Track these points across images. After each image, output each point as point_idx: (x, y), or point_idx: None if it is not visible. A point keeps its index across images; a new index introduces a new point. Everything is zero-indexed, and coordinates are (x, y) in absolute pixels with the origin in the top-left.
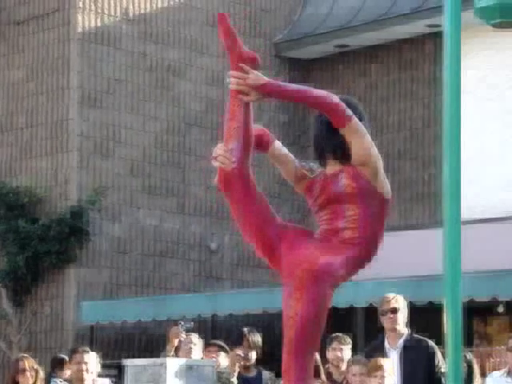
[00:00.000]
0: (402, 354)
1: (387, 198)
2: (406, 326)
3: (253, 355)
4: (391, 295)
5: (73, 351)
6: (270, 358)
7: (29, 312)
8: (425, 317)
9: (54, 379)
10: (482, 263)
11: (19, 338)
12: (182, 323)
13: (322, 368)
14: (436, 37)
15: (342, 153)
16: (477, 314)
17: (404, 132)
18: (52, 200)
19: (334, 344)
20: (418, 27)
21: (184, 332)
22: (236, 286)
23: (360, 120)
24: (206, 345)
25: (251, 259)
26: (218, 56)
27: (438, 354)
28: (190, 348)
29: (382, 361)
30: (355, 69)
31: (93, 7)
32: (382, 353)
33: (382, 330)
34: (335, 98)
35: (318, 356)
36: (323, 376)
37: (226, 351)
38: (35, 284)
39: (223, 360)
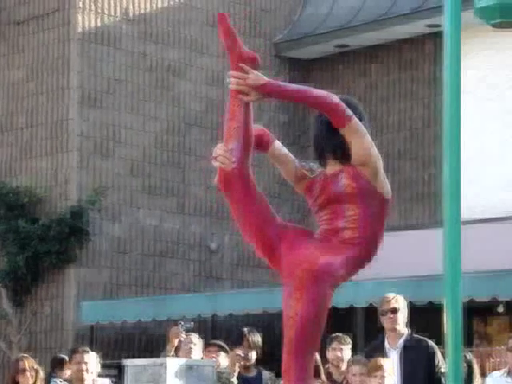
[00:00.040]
0: (402, 354)
1: (387, 198)
2: (406, 326)
3: (253, 355)
4: (391, 295)
5: (73, 351)
6: (270, 358)
7: (29, 312)
8: (425, 317)
9: (54, 379)
10: (482, 263)
11: (19, 337)
12: (182, 323)
13: (322, 368)
14: (436, 37)
15: (341, 153)
16: (477, 314)
17: (404, 132)
18: (52, 200)
19: (334, 344)
20: (418, 27)
21: (184, 332)
22: (236, 286)
23: (360, 120)
24: (206, 345)
25: (251, 259)
26: (218, 56)
27: (438, 354)
28: (190, 348)
29: (382, 361)
30: (355, 69)
31: (93, 7)
32: (382, 353)
33: (382, 330)
34: (335, 98)
35: (318, 356)
36: (323, 376)
37: (226, 351)
38: (35, 284)
39: (223, 360)
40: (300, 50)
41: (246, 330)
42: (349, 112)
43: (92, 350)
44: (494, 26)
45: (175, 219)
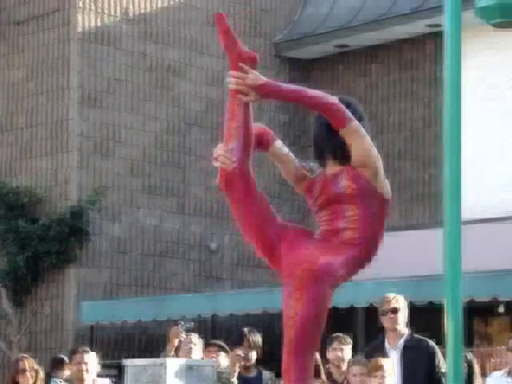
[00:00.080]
0: (403, 354)
1: (387, 199)
2: (407, 326)
3: (253, 355)
4: (391, 295)
5: (73, 351)
6: (270, 358)
7: (29, 312)
8: (425, 317)
9: (54, 379)
10: (483, 263)
11: (19, 338)
12: (182, 323)
13: (322, 368)
14: (436, 37)
15: (341, 153)
16: (477, 314)
17: (404, 132)
18: (52, 200)
19: (335, 344)
20: (419, 27)
21: (184, 332)
22: (236, 286)
23: (360, 120)
24: (206, 345)
25: (251, 259)
26: (218, 56)
27: (439, 354)
28: (190, 348)
29: (383, 361)
30: (355, 69)
31: (93, 7)
32: (383, 353)
33: (382, 330)
34: (335, 100)
35: (318, 356)
36: (324, 376)
37: (226, 351)
38: (35, 284)
39: (223, 360)
40: (300, 50)
41: (246, 330)
42: (348, 113)
43: (92, 350)
44: (495, 25)
45: (175, 219)
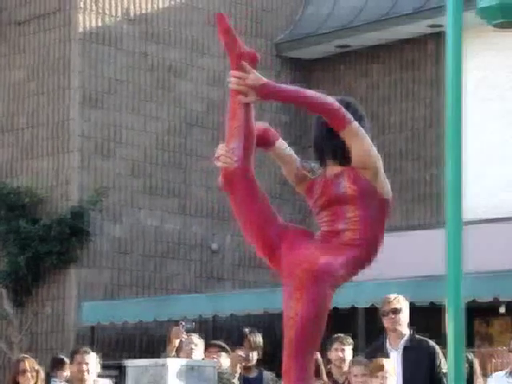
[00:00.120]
0: (403, 354)
1: (388, 199)
2: (408, 327)
3: (254, 356)
4: (393, 296)
5: (73, 352)
6: (271, 358)
7: (30, 312)
8: (426, 317)
9: (54, 379)
10: (484, 264)
11: (20, 338)
12: (183, 323)
13: (323, 368)
14: (438, 37)
15: (341, 154)
16: (478, 314)
17: (406, 132)
18: (53, 200)
19: (336, 344)
20: (420, 27)
21: (185, 332)
22: (237, 287)
23: (361, 120)
24: (207, 345)
25: (252, 260)
26: (219, 56)
27: (440, 355)
28: (191, 348)
29: (384, 361)
30: (357, 69)
31: (94, 7)
32: (383, 353)
33: (383, 330)
34: (334, 102)
35: (319, 356)
36: (324, 376)
37: (226, 352)
38: (36, 284)
39: (224, 360)
40: (301, 50)
41: (246, 330)
42: (348, 115)
43: (93, 351)
44: (496, 26)
45: (176, 220)
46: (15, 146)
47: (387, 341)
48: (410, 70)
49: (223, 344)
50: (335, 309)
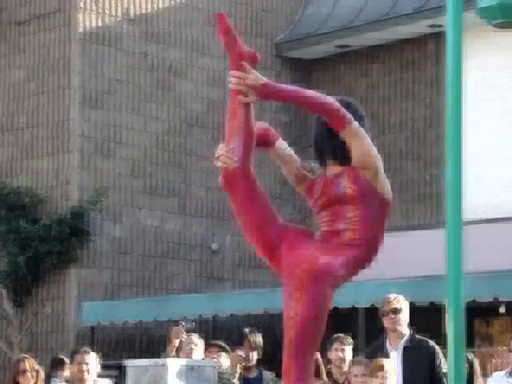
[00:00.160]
0: (403, 354)
1: (388, 199)
2: (408, 327)
3: (254, 356)
4: (393, 296)
5: (74, 352)
6: (271, 358)
7: (30, 313)
8: (426, 317)
9: (54, 379)
10: (484, 264)
11: (20, 338)
12: (183, 323)
13: (323, 368)
14: (438, 37)
15: (342, 154)
16: (478, 314)
17: (406, 132)
18: (53, 200)
19: (336, 344)
20: (420, 27)
21: (185, 332)
22: (237, 287)
23: (360, 120)
24: (207, 345)
25: (252, 260)
26: (220, 56)
27: (440, 355)
28: (191, 348)
29: (384, 361)
30: (357, 69)
31: (94, 7)
32: (383, 353)
33: (383, 330)
34: (334, 102)
35: (319, 356)
36: (324, 376)
37: (227, 352)
38: (36, 285)
39: (224, 360)
40: (301, 50)
41: (247, 330)
42: (348, 115)
43: (93, 351)
44: (496, 26)
45: (176, 220)
46: (15, 146)
47: (387, 341)
48: (410, 70)
49: (223, 344)
50: (335, 309)
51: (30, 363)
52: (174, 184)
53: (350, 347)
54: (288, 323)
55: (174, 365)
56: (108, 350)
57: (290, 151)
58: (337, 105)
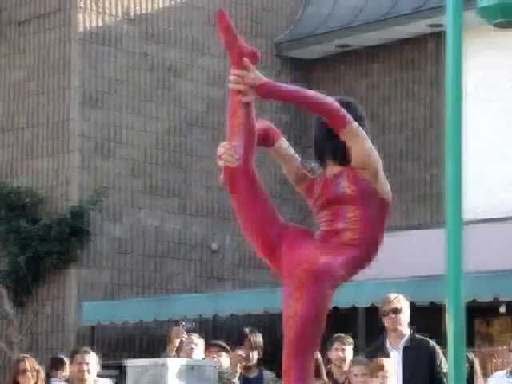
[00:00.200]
0: (404, 354)
1: (387, 199)
2: (408, 327)
3: (254, 355)
4: (393, 295)
5: (74, 352)
6: (272, 358)
7: (30, 312)
8: (426, 317)
9: (54, 379)
10: (484, 263)
11: (20, 338)
12: (184, 323)
13: (323, 368)
14: (438, 37)
15: (341, 154)
16: (479, 314)
17: (406, 132)
18: (53, 200)
19: (336, 344)
20: (420, 27)
21: (185, 332)
22: (237, 287)
23: (360, 120)
24: (207, 345)
25: (252, 259)
26: (220, 56)
27: (440, 355)
28: (192, 348)
29: (384, 361)
30: (357, 69)
31: (94, 7)
32: (384, 353)
33: (383, 330)
34: (334, 102)
35: (319, 356)
36: (325, 376)
37: (227, 351)
38: (36, 284)
39: (224, 360)
40: (301, 49)
41: (247, 330)
42: (348, 116)
43: (93, 351)
44: (496, 25)
45: (176, 220)
46: (15, 146)
47: (387, 340)
48: (410, 70)
49: (223, 344)
50: (335, 309)
51: (30, 363)
52: (174, 184)
53: (351, 347)
54: (288, 323)
55: (174, 365)
56: (108, 349)
57: (291, 150)
58: (336, 105)
